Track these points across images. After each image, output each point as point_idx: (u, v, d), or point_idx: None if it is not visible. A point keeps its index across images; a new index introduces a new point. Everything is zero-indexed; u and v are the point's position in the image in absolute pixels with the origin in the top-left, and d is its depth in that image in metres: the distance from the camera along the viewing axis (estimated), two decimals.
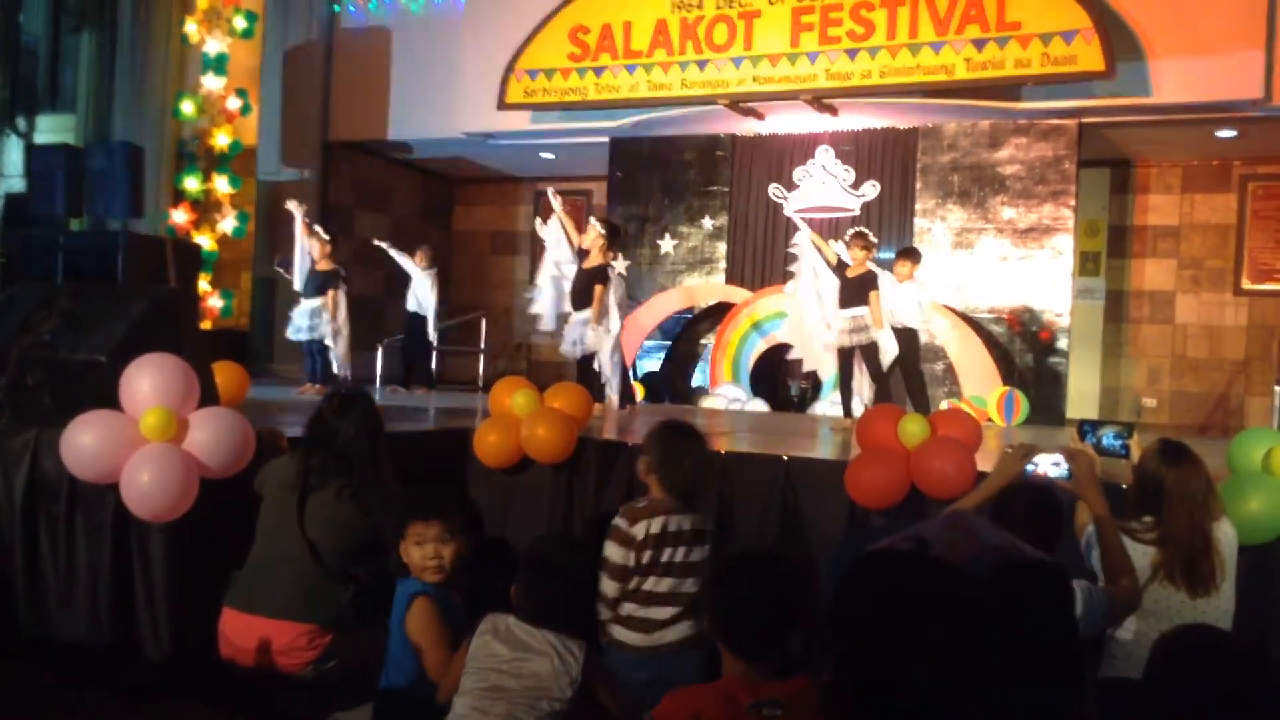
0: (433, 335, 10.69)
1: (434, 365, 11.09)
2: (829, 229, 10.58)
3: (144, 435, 3.78)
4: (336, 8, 12.55)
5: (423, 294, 10.60)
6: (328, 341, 9.05)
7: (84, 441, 3.76)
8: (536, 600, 2.93)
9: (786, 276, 10.75)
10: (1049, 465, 3.49)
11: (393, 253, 10.54)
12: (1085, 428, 4.08)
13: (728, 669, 2.55)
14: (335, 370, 9.11)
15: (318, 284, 9.14)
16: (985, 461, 4.82)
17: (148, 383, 3.84)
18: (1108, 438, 4.11)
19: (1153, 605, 3.41)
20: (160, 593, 3.94)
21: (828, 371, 8.37)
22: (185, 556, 3.98)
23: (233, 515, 3.91)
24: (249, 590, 3.55)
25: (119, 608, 3.97)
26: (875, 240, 8.15)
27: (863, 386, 8.11)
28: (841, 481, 4.64)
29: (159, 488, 3.70)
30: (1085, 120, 9.85)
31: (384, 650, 3.41)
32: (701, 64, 10.37)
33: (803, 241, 8.22)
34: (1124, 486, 4.02)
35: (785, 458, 5.01)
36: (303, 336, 9.09)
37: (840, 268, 7.95)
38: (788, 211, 10.35)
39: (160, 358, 3.91)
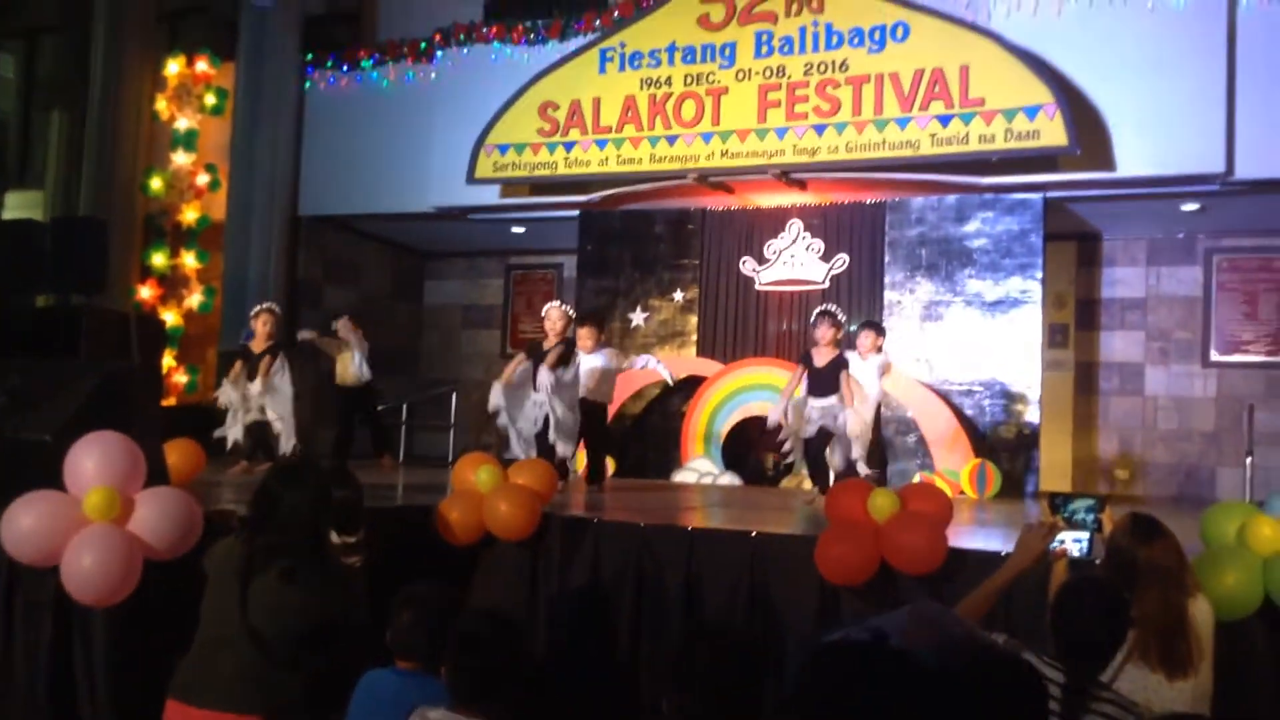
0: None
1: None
2: (799, 302, 10.60)
3: (87, 515, 3.65)
4: (307, 84, 12.59)
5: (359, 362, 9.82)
6: (272, 417, 8.65)
7: (24, 524, 3.63)
8: (465, 681, 2.79)
9: (758, 350, 10.77)
10: (1071, 543, 3.44)
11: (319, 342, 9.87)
12: (1056, 501, 4.01)
13: None
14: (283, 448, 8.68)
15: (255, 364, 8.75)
16: (955, 536, 4.76)
17: (92, 462, 3.72)
18: (1079, 511, 4.04)
19: (1128, 688, 3.30)
20: (102, 681, 3.80)
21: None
22: (129, 642, 3.84)
23: (180, 598, 3.77)
24: (191, 680, 3.38)
25: (59, 697, 3.80)
26: (843, 319, 8.10)
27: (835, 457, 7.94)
28: (812, 558, 4.55)
29: (101, 570, 3.57)
30: (1050, 194, 9.92)
31: None
32: (671, 139, 10.44)
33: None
34: (1096, 562, 3.95)
35: (754, 533, 4.92)
36: (252, 416, 8.70)
37: (806, 359, 7.86)
38: (759, 286, 10.44)
39: (106, 436, 3.80)
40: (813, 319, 8.02)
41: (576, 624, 4.99)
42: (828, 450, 7.92)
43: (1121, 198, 10.00)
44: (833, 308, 8.18)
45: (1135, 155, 9.28)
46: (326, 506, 3.61)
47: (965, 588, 3.80)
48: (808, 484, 8.62)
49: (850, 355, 8.02)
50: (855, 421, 7.55)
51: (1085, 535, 3.55)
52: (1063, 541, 3.50)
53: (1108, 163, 9.34)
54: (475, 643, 2.83)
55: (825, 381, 7.64)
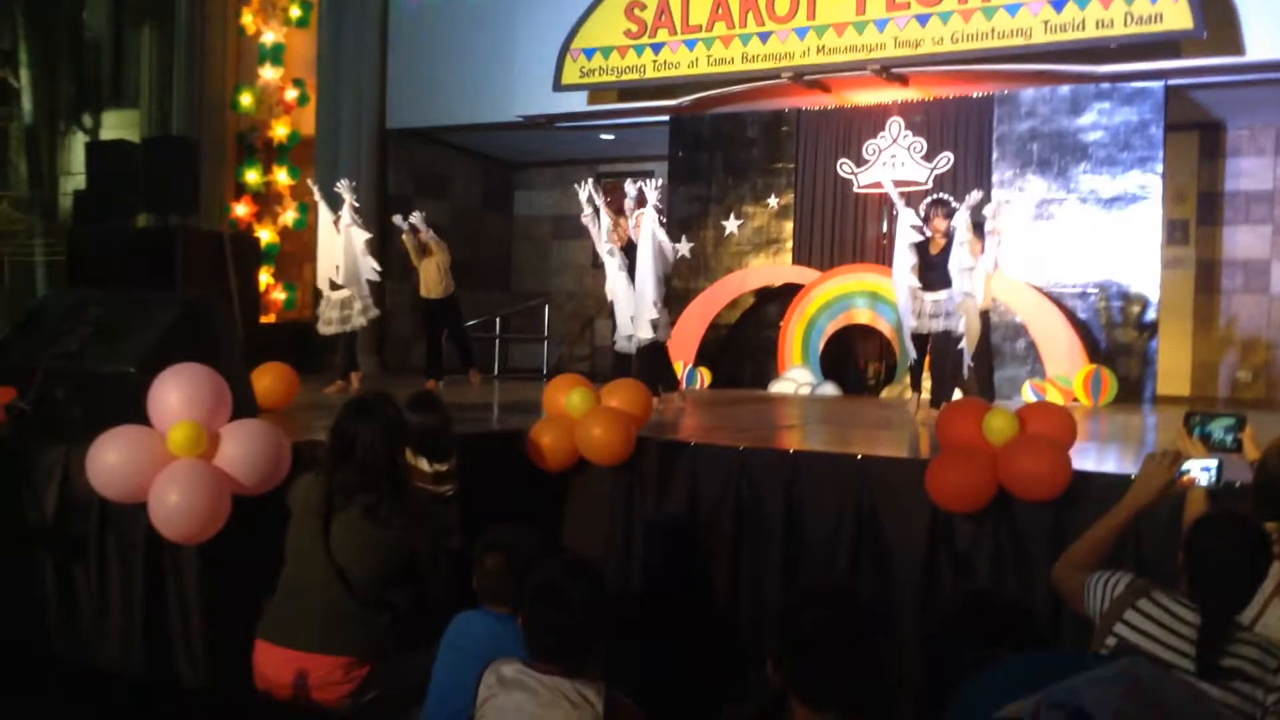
0: None
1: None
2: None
3: (172, 451, 3.56)
4: None
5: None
6: (356, 324, 8.49)
7: (110, 459, 3.56)
8: (542, 636, 2.59)
9: (856, 255, 10.40)
10: (1199, 471, 3.14)
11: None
12: (1193, 420, 3.67)
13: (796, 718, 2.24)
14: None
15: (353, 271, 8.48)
16: (1079, 459, 4.45)
17: (176, 395, 3.62)
18: (1217, 432, 3.70)
19: (1277, 627, 3.01)
20: (195, 618, 3.75)
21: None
22: (221, 579, 3.78)
23: (271, 534, 3.69)
24: (279, 621, 3.31)
25: (153, 634, 3.78)
26: (957, 206, 7.58)
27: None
28: (921, 482, 4.30)
29: (188, 507, 3.49)
30: (1172, 82, 9.29)
31: (425, 681, 3.17)
32: (764, 36, 9.99)
33: (902, 229, 7.39)
34: (1236, 485, 3.65)
35: (859, 456, 4.69)
36: (333, 329, 8.57)
37: (922, 246, 7.40)
38: (857, 189, 10.12)
39: (189, 368, 3.69)
40: (923, 210, 7.51)
41: (671, 556, 4.82)
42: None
43: (1250, 83, 9.36)
44: (945, 196, 7.69)
45: (1266, 38, 8.69)
46: (402, 439, 3.48)
47: (1091, 515, 3.55)
48: (908, 393, 8.28)
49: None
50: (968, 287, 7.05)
51: (1214, 463, 3.21)
52: (1188, 470, 3.17)
53: (1235, 46, 8.73)
54: (552, 595, 2.59)
55: (939, 273, 7.22)
